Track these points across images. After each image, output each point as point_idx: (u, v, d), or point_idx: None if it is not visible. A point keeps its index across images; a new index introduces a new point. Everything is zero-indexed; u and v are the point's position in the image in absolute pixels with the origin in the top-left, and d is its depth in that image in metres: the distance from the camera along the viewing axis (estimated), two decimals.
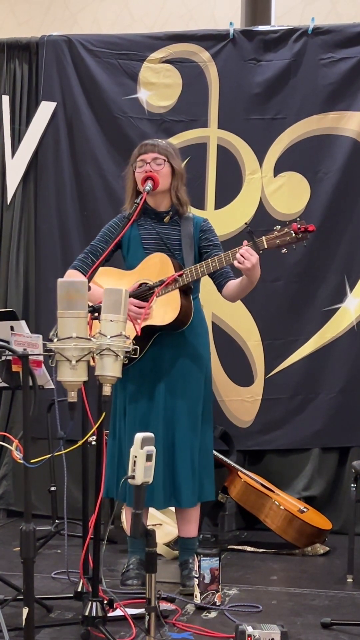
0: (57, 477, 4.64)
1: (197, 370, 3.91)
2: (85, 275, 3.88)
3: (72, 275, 3.87)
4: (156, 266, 3.84)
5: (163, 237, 3.92)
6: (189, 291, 3.85)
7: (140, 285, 3.86)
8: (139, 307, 3.77)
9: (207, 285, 4.07)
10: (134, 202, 3.82)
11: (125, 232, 3.84)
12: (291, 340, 5.07)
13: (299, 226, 3.65)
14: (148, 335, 3.82)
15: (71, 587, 3.69)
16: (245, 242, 3.71)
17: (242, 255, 3.65)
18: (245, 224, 3.95)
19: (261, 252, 3.69)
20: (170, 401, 3.86)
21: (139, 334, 3.69)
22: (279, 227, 3.70)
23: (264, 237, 3.69)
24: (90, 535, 3.32)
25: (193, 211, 4.08)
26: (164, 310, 3.79)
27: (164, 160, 3.89)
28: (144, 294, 3.83)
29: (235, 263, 3.68)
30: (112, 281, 3.84)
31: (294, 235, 3.65)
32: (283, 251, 3.71)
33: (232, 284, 3.86)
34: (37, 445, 4.62)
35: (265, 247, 3.69)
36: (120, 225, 3.88)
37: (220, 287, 3.91)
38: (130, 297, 3.68)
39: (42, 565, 4.13)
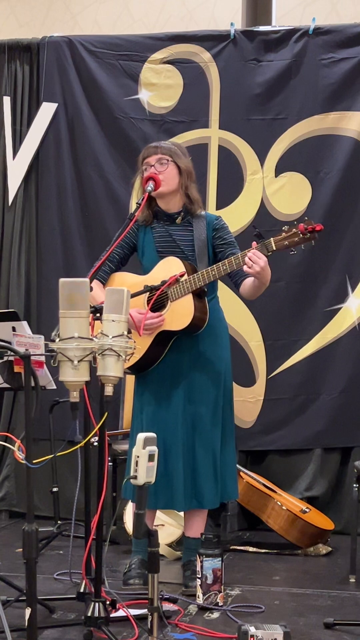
0: (60, 478, 4.65)
1: (216, 371, 3.90)
2: (103, 283, 3.89)
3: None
4: (165, 270, 3.84)
5: (176, 239, 3.91)
6: (202, 294, 3.84)
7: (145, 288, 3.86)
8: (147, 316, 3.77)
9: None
10: (136, 203, 3.82)
11: (134, 235, 3.87)
12: (293, 340, 5.07)
13: (306, 226, 3.63)
14: (165, 340, 3.81)
15: (74, 588, 3.69)
16: (254, 243, 3.69)
17: (250, 259, 3.64)
18: (254, 226, 3.94)
19: (270, 253, 3.68)
20: (189, 403, 3.84)
21: (140, 335, 3.70)
22: (287, 227, 3.67)
23: (272, 238, 3.67)
24: (92, 536, 3.32)
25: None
26: (178, 315, 3.78)
27: (168, 160, 3.88)
28: (144, 294, 3.82)
29: (244, 267, 3.67)
30: (124, 286, 3.84)
31: (302, 235, 3.63)
32: (292, 252, 3.70)
33: (248, 282, 3.84)
34: (39, 446, 4.63)
35: (274, 248, 3.66)
36: (133, 228, 3.89)
37: (237, 285, 3.90)
38: (131, 297, 3.67)
39: (44, 566, 4.13)
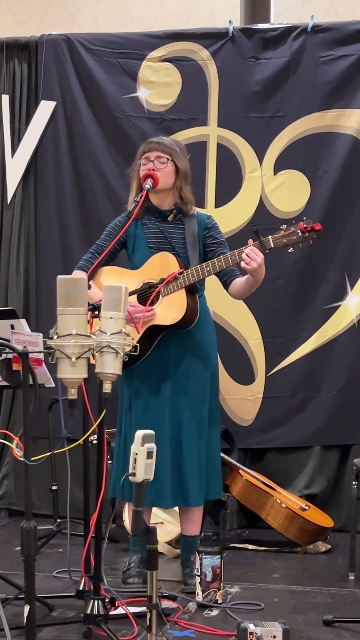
0: (59, 476, 4.64)
1: (203, 368, 3.91)
2: (86, 272, 3.87)
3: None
4: (159, 265, 3.84)
5: (167, 236, 3.91)
6: (195, 290, 3.85)
7: (143, 285, 3.85)
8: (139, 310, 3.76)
9: (208, 284, 4.06)
10: (134, 201, 3.82)
11: (125, 230, 3.84)
12: (292, 338, 5.06)
13: (305, 225, 3.64)
14: (154, 334, 3.81)
15: (73, 586, 3.69)
16: (250, 241, 3.70)
17: (247, 256, 3.64)
18: (252, 224, 3.94)
19: (267, 251, 3.68)
20: (176, 399, 3.85)
21: (139, 333, 3.69)
22: (285, 226, 3.68)
23: (270, 236, 3.68)
24: (91, 533, 3.32)
25: (196, 209, 4.06)
26: (170, 309, 3.78)
27: (167, 159, 3.88)
28: (145, 292, 3.82)
29: (242, 263, 3.67)
30: (115, 281, 3.84)
31: (300, 234, 3.64)
32: (289, 250, 3.70)
33: (238, 282, 3.85)
34: (38, 445, 4.64)
35: (272, 246, 3.68)
36: (124, 222, 3.88)
37: (226, 285, 3.91)
38: (130, 295, 3.67)
39: (43, 564, 4.13)
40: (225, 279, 3.89)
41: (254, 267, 3.64)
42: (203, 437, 3.88)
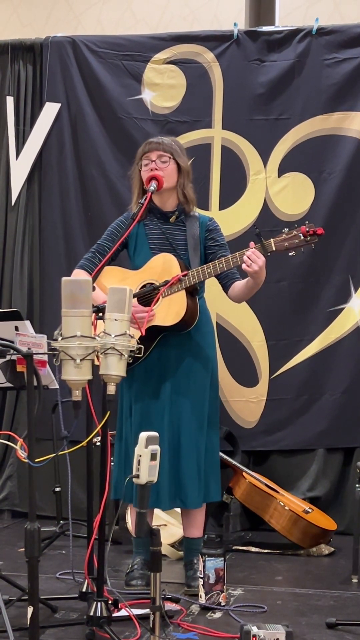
0: (62, 477, 4.65)
1: (202, 370, 3.91)
2: (90, 273, 3.88)
3: (79, 275, 3.87)
4: (161, 266, 3.84)
5: (169, 237, 3.91)
6: (195, 292, 3.85)
7: (145, 286, 3.86)
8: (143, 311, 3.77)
9: (211, 286, 4.07)
10: (139, 202, 3.82)
11: (130, 231, 3.84)
12: (295, 340, 5.06)
13: (307, 229, 3.64)
14: (153, 335, 3.81)
15: (76, 588, 3.69)
16: (252, 243, 3.70)
17: (249, 258, 3.64)
18: (255, 226, 3.94)
19: (269, 254, 3.68)
20: (175, 401, 3.85)
21: (143, 334, 3.69)
22: (287, 229, 3.68)
23: (272, 239, 3.68)
24: (94, 535, 3.32)
25: (198, 211, 4.06)
26: (170, 310, 3.78)
27: (169, 158, 3.89)
28: (148, 294, 3.83)
29: (243, 265, 3.67)
30: (116, 281, 3.84)
31: (302, 238, 3.64)
32: (291, 254, 3.70)
33: (238, 285, 3.85)
34: (42, 446, 4.63)
35: (274, 249, 3.68)
36: (125, 224, 3.88)
37: (226, 288, 3.91)
38: (134, 297, 3.67)
39: (46, 565, 4.13)
40: (225, 281, 3.89)
41: (255, 270, 3.64)
42: (202, 439, 3.88)
